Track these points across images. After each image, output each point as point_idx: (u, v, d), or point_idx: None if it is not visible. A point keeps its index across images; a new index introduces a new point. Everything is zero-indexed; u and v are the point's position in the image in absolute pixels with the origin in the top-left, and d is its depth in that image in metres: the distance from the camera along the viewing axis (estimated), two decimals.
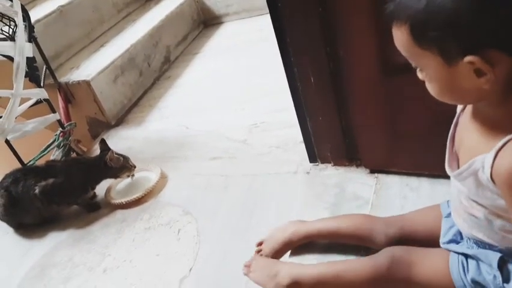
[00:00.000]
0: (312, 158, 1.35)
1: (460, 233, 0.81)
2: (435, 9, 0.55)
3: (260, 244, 1.09)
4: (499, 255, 0.73)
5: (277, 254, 1.06)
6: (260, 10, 2.52)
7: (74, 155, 1.84)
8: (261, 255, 1.07)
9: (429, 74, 0.62)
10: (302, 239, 1.06)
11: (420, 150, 1.13)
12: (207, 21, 2.81)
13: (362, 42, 1.02)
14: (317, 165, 1.35)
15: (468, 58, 0.55)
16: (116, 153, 1.51)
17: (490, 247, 0.74)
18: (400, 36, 0.61)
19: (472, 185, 0.67)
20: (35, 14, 2.06)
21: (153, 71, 2.32)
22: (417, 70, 0.65)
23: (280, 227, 1.09)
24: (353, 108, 1.16)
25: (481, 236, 0.74)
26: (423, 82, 0.66)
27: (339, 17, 1.02)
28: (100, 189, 1.57)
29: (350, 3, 0.99)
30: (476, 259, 0.77)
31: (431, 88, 0.64)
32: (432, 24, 0.56)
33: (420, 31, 0.58)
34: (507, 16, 0.53)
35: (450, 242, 0.82)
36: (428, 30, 0.57)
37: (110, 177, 1.54)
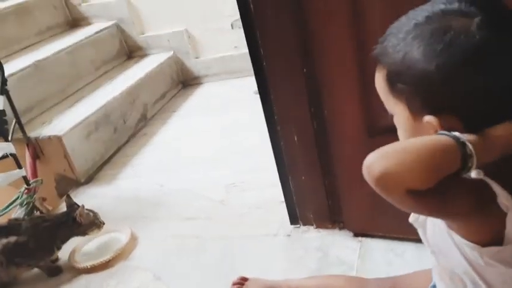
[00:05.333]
0: (294, 220, 1.31)
1: None
2: (409, 64, 0.56)
3: (241, 280, 1.08)
4: None
5: None
6: (240, 72, 2.56)
7: (37, 213, 1.73)
8: None
9: (399, 122, 0.64)
10: None
11: (405, 214, 1.09)
12: (186, 82, 2.83)
13: (346, 103, 1.03)
14: (299, 227, 1.30)
15: (427, 118, 0.56)
16: (86, 209, 1.42)
17: None
18: (379, 80, 0.62)
19: (432, 229, 0.65)
20: (9, 68, 2.02)
21: (129, 127, 2.28)
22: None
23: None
24: (336, 168, 1.14)
25: None
26: None
27: (324, 78, 1.04)
28: (64, 251, 1.45)
29: (335, 65, 1.00)
30: None
31: (399, 135, 0.65)
32: (404, 77, 0.58)
33: (393, 80, 0.60)
34: (469, 89, 0.54)
35: None
36: (399, 82, 0.59)
37: (78, 234, 1.43)
